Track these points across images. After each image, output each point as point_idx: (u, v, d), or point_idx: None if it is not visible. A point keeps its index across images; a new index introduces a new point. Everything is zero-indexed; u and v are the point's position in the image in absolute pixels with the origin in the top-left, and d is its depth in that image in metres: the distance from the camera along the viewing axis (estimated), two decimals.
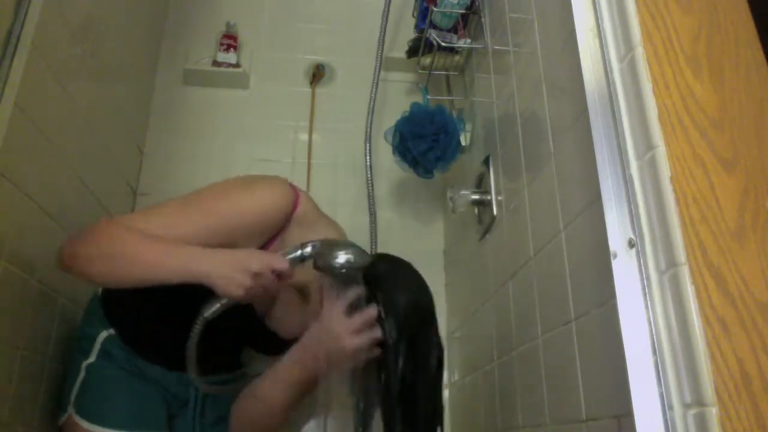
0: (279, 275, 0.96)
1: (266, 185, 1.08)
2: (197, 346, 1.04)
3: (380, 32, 1.72)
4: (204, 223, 1.00)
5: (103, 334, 1.10)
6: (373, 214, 1.71)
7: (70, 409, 1.06)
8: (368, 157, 1.71)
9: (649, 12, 0.72)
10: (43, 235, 1.14)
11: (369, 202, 1.70)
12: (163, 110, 1.85)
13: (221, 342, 1.20)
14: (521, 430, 1.06)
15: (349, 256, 0.99)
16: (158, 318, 1.13)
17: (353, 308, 1.00)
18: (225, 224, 1.01)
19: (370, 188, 1.71)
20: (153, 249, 0.94)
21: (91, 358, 1.09)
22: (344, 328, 0.95)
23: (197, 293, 1.01)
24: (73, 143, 1.26)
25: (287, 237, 1.10)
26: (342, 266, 0.99)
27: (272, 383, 1.04)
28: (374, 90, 1.73)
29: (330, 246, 1.01)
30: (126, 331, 1.11)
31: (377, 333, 0.96)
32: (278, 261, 0.96)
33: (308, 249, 1.00)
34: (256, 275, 0.93)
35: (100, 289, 1.17)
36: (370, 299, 1.01)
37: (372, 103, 1.73)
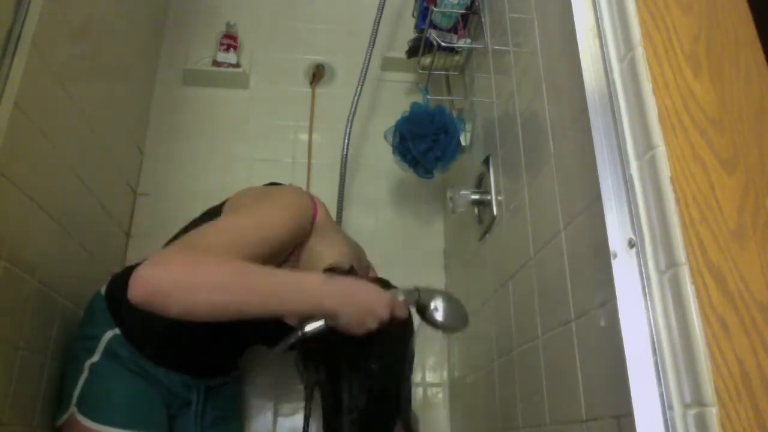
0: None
1: (293, 195, 1.07)
2: (205, 348, 1.06)
3: (372, 30, 1.72)
4: (263, 234, 0.95)
5: (109, 334, 1.10)
6: (340, 212, 1.72)
7: (72, 409, 1.06)
8: (346, 151, 1.72)
9: (649, 12, 0.72)
10: (43, 235, 1.14)
11: (339, 197, 1.71)
12: (163, 110, 1.85)
13: (232, 341, 1.22)
14: (521, 430, 1.06)
15: (450, 320, 0.96)
16: (164, 319, 1.13)
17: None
18: (273, 238, 0.97)
19: (342, 186, 1.72)
20: (263, 273, 0.86)
21: (95, 358, 1.09)
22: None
23: None
24: (73, 143, 1.26)
25: (308, 244, 1.09)
26: (437, 324, 0.96)
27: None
28: (360, 87, 1.72)
29: (446, 300, 0.97)
30: (132, 330, 1.11)
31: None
32: (401, 309, 0.92)
33: (427, 299, 0.96)
34: (382, 321, 0.89)
35: (103, 289, 1.17)
36: None
37: (356, 98, 1.72)
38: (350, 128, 1.72)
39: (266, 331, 1.12)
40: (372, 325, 0.88)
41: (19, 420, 1.06)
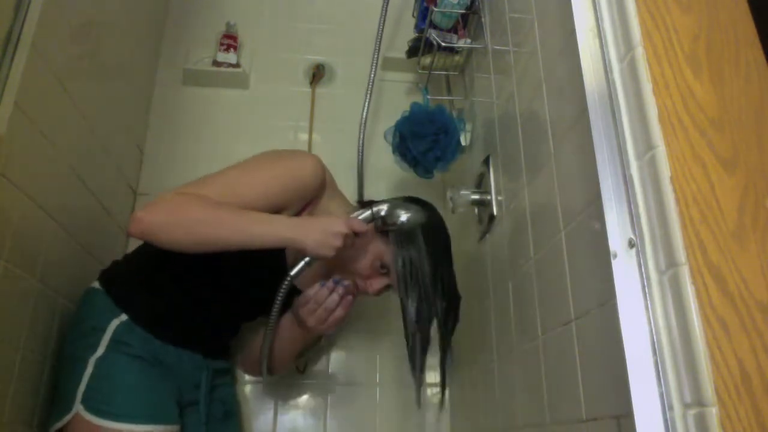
0: (356, 234, 1.10)
1: (305, 155, 1.22)
2: (217, 323, 1.15)
3: (377, 32, 1.72)
4: (257, 190, 1.09)
5: (114, 323, 1.10)
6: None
7: (77, 407, 1.03)
8: (361, 156, 1.75)
9: (649, 12, 0.72)
10: (43, 235, 1.14)
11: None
12: (163, 110, 1.85)
13: (236, 313, 1.25)
14: (521, 430, 1.06)
15: (410, 215, 1.17)
16: (171, 294, 1.15)
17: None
18: (282, 188, 1.11)
19: (361, 189, 1.75)
20: (239, 216, 1.04)
21: (100, 351, 1.07)
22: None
23: (207, 266, 1.08)
24: (73, 143, 1.26)
25: (320, 203, 1.21)
26: (403, 224, 1.15)
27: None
28: (369, 89, 1.73)
29: (392, 205, 1.18)
30: (139, 312, 1.11)
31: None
32: (358, 224, 1.10)
33: (381, 210, 1.17)
34: (345, 236, 1.06)
35: (96, 283, 1.17)
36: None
37: (368, 102, 1.73)
38: (364, 131, 1.73)
39: (266, 301, 1.17)
40: (336, 242, 1.05)
41: (19, 420, 1.06)
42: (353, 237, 1.09)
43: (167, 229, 1.01)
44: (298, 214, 1.17)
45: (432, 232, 1.18)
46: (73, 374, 1.07)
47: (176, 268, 1.15)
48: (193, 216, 1.02)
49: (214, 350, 1.27)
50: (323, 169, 1.20)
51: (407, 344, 1.19)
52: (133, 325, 1.10)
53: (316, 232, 1.05)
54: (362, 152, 1.74)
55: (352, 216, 1.15)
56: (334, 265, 1.19)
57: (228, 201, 1.05)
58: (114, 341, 1.08)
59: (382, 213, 1.17)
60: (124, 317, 1.10)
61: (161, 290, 1.16)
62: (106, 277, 1.19)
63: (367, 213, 1.16)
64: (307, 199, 1.18)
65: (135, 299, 1.12)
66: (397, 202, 1.20)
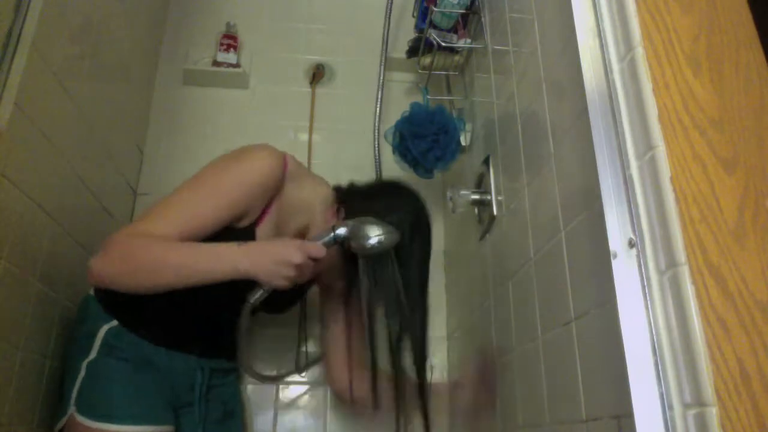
0: (314, 259, 1.03)
1: (257, 152, 1.13)
2: (209, 324, 1.12)
3: (383, 34, 1.72)
4: (215, 202, 1.06)
5: (105, 328, 1.10)
6: None
7: (71, 410, 1.05)
8: (377, 155, 1.75)
9: (649, 12, 0.72)
10: (43, 235, 1.14)
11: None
12: (163, 110, 1.85)
13: (228, 311, 1.23)
14: (521, 430, 1.06)
15: (380, 237, 1.07)
16: (156, 298, 1.13)
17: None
18: (234, 199, 1.07)
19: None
20: (188, 256, 1.00)
21: (92, 355, 1.08)
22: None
23: None
24: (73, 143, 1.26)
25: (284, 194, 1.16)
26: (373, 248, 1.06)
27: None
28: (380, 92, 1.73)
29: (359, 227, 1.08)
30: (128, 317, 1.11)
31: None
32: (315, 249, 1.02)
33: (341, 232, 1.07)
34: (298, 266, 1.00)
35: (91, 289, 1.17)
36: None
37: (379, 106, 1.74)
38: (378, 133, 1.74)
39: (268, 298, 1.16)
40: (289, 272, 0.99)
41: (19, 420, 1.06)
42: (311, 262, 1.03)
43: (119, 280, 1.01)
44: (264, 211, 1.14)
45: (406, 252, 1.10)
46: (70, 377, 1.09)
47: None
48: (142, 264, 0.99)
49: (210, 350, 1.25)
50: (280, 161, 1.14)
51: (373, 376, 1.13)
52: (123, 329, 1.10)
53: (268, 263, 0.99)
54: (378, 153, 1.75)
55: (310, 239, 1.07)
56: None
57: (188, 225, 1.03)
58: (105, 346, 1.09)
59: (345, 234, 1.06)
60: (114, 323, 1.11)
61: (146, 295, 1.12)
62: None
63: (329, 237, 1.06)
64: (270, 195, 1.14)
65: (122, 305, 1.12)
66: (365, 219, 1.09)
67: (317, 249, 1.02)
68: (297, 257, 0.99)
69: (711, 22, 0.72)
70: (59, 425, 1.07)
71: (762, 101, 0.68)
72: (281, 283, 1.00)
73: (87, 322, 1.13)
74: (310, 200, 1.19)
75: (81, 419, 1.04)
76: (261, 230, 1.13)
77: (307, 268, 1.02)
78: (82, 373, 1.07)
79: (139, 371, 1.10)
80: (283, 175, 1.15)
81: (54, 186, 1.18)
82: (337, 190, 1.23)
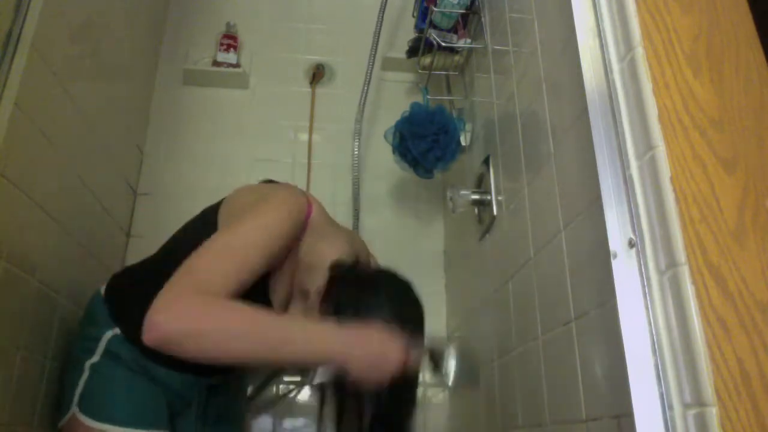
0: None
1: (286, 199, 1.05)
2: None
3: (375, 30, 1.73)
4: (251, 261, 0.95)
5: (108, 334, 1.10)
6: (356, 212, 1.74)
7: (74, 409, 1.06)
8: (356, 153, 1.74)
9: (649, 12, 0.72)
10: (43, 235, 1.14)
11: (354, 202, 1.73)
12: (163, 110, 1.85)
13: None
14: (521, 430, 1.06)
15: (458, 376, 1.07)
16: None
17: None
18: (267, 253, 0.98)
19: (357, 187, 1.74)
20: (282, 330, 0.89)
21: (96, 358, 1.09)
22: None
23: None
24: (73, 143, 1.26)
25: (303, 243, 1.09)
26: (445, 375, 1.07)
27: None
28: (365, 89, 1.73)
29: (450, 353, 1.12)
30: (132, 329, 1.11)
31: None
32: (414, 361, 0.92)
33: (441, 357, 1.03)
34: (392, 374, 0.89)
35: (102, 289, 1.17)
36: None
37: (363, 100, 1.73)
38: (360, 130, 1.73)
39: None
40: (382, 378, 0.86)
41: (19, 420, 1.06)
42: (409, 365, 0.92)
43: (193, 343, 0.85)
44: (285, 257, 1.06)
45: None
46: (73, 376, 1.10)
47: None
48: (227, 328, 0.86)
49: (207, 371, 1.21)
50: (304, 206, 1.06)
51: None
52: (125, 339, 1.10)
53: (371, 361, 0.86)
54: (359, 149, 1.74)
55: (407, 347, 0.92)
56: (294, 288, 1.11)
57: (239, 272, 0.92)
58: (108, 351, 1.10)
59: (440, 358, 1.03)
60: (117, 330, 1.11)
61: None
62: (110, 285, 1.19)
63: (425, 351, 0.97)
64: (293, 241, 1.05)
65: (128, 316, 1.11)
66: None
67: (416, 363, 0.92)
68: (397, 367, 0.87)
69: (711, 22, 0.72)
70: (61, 423, 1.07)
71: (762, 101, 0.68)
72: (370, 386, 0.88)
73: (93, 325, 1.13)
74: (319, 257, 1.06)
75: (83, 419, 1.04)
76: (274, 281, 1.07)
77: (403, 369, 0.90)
78: (86, 373, 1.08)
79: (139, 378, 1.10)
80: (305, 223, 1.07)
81: (54, 186, 1.18)
82: (334, 268, 1.04)
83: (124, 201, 1.66)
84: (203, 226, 1.09)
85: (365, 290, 1.00)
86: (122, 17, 1.56)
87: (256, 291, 0.98)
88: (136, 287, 1.14)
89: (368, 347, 0.88)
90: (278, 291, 1.11)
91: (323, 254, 1.06)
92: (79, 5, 1.27)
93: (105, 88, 1.45)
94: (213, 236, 0.97)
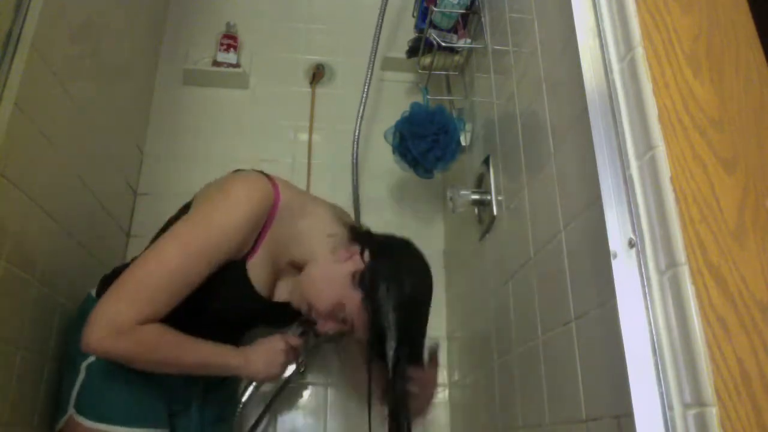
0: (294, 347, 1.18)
1: (242, 188, 1.07)
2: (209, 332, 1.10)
3: (375, 30, 1.72)
4: (206, 259, 1.01)
5: None
6: (356, 212, 1.73)
7: (71, 410, 1.06)
8: (356, 153, 1.73)
9: (649, 12, 0.72)
10: (43, 235, 1.14)
11: (354, 202, 1.73)
12: (163, 110, 1.85)
13: (235, 328, 1.22)
14: (521, 430, 1.06)
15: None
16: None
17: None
18: (223, 248, 1.03)
19: (356, 188, 1.73)
20: (193, 353, 1.06)
21: (91, 358, 1.09)
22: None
23: (197, 297, 1.03)
24: (73, 143, 1.26)
25: (277, 227, 1.10)
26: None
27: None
28: (366, 89, 1.72)
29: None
30: None
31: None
32: (294, 339, 1.19)
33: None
34: (286, 352, 1.16)
35: (94, 291, 1.17)
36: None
37: (363, 102, 1.72)
38: (358, 131, 1.72)
39: (267, 318, 1.21)
40: (280, 372, 1.16)
41: (19, 420, 1.06)
42: (294, 348, 1.18)
43: (129, 358, 1.00)
44: (257, 242, 1.08)
45: (407, 320, 1.07)
46: (70, 377, 1.09)
47: None
48: (155, 356, 1.01)
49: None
50: (267, 193, 1.07)
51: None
52: None
53: (260, 363, 1.12)
54: (359, 149, 1.73)
55: (284, 334, 1.20)
56: (299, 296, 1.15)
57: (186, 281, 1.00)
58: None
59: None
60: None
61: None
62: (101, 286, 1.18)
63: (299, 329, 1.24)
64: (258, 229, 1.08)
65: None
66: None
67: (294, 339, 1.19)
68: (283, 358, 1.15)
69: (711, 22, 0.72)
70: (59, 425, 1.07)
71: (762, 101, 0.68)
72: (276, 373, 1.15)
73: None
74: (308, 232, 1.13)
75: (80, 420, 1.04)
76: (253, 263, 1.08)
77: (293, 354, 1.18)
78: (82, 374, 1.08)
79: (136, 377, 1.10)
80: (272, 209, 1.09)
81: (54, 186, 1.18)
82: (353, 230, 1.16)
83: (124, 201, 1.66)
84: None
85: (394, 255, 1.16)
86: (122, 17, 1.56)
87: (236, 277, 1.07)
88: None
89: (254, 354, 1.13)
90: (261, 274, 1.11)
91: (309, 227, 1.13)
92: (79, 5, 1.27)
93: (105, 88, 1.45)
94: (158, 239, 1.05)
